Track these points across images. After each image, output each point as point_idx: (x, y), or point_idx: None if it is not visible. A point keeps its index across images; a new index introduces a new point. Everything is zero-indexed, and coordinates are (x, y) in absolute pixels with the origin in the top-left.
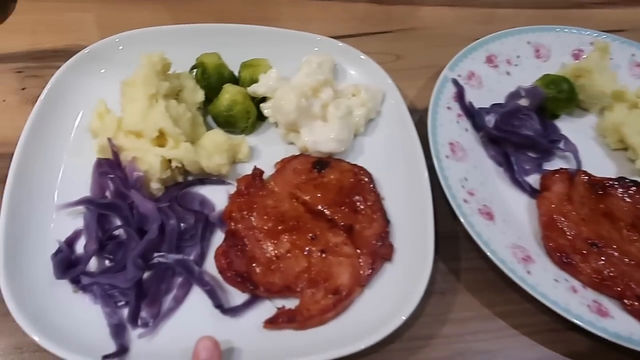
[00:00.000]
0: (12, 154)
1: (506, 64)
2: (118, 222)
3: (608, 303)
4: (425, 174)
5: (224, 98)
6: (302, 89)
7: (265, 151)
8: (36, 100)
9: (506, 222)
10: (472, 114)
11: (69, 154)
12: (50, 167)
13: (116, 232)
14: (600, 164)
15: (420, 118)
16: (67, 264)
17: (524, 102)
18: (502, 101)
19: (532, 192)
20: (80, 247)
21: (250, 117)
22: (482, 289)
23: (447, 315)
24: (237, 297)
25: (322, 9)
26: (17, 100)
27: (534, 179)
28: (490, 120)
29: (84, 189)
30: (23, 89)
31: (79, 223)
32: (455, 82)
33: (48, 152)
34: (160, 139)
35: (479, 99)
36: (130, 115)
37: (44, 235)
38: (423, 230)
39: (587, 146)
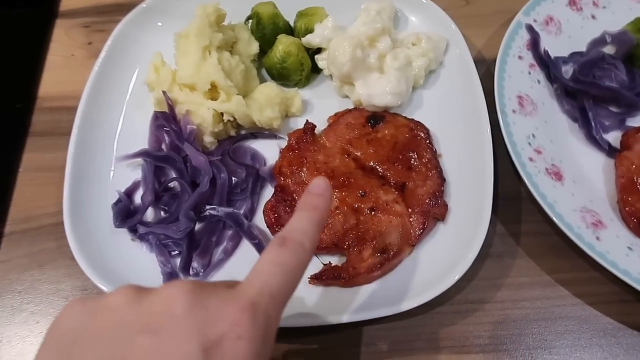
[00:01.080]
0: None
1: (592, 5)
2: (173, 173)
3: None
4: (488, 128)
5: (277, 49)
6: (358, 38)
7: (319, 105)
8: (97, 52)
9: (577, 184)
10: (547, 64)
11: (129, 106)
12: (112, 120)
13: (171, 185)
14: None
15: (488, 69)
16: (125, 213)
17: (609, 49)
18: (583, 49)
19: (611, 151)
20: (138, 197)
21: (304, 70)
22: (544, 254)
23: (502, 280)
24: None
25: None
26: (84, 54)
27: (614, 137)
28: (567, 70)
29: (143, 141)
30: (90, 43)
31: (137, 174)
32: (530, 28)
33: (109, 106)
34: (213, 92)
35: (557, 47)
36: (183, 68)
37: (105, 186)
38: (481, 189)
39: None
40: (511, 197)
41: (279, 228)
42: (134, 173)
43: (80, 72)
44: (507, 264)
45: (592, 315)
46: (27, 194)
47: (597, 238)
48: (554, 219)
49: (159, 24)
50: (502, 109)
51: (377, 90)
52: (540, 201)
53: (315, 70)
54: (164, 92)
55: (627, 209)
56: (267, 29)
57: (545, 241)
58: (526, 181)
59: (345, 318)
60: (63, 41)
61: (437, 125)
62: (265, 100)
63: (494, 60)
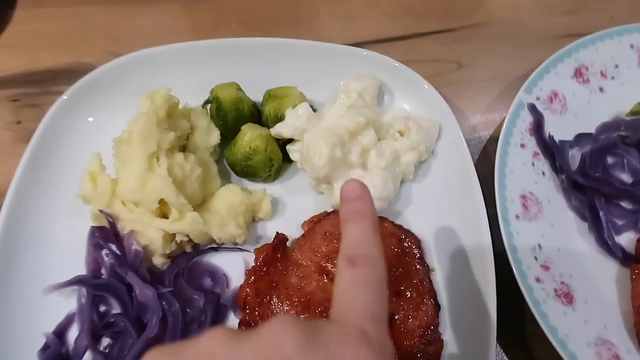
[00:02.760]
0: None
1: (600, 77)
2: (115, 305)
3: None
4: (489, 240)
5: (241, 145)
6: (337, 134)
7: (292, 203)
8: (27, 132)
9: (589, 305)
10: (552, 151)
11: (64, 214)
12: (42, 231)
13: (113, 319)
14: None
15: (484, 151)
16: None
17: (621, 133)
18: (591, 129)
19: (625, 260)
20: (72, 336)
21: (273, 165)
22: None
23: None
24: None
25: (367, 2)
26: (12, 137)
27: (627, 239)
28: (574, 155)
29: (80, 260)
30: (18, 122)
31: (71, 304)
32: (533, 109)
33: (39, 212)
34: (163, 207)
35: (562, 128)
36: (126, 182)
37: (30, 323)
38: (482, 320)
39: None
40: (513, 315)
41: None
42: (67, 302)
43: (5, 160)
44: None
45: None
46: None
47: None
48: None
49: (90, 119)
50: (505, 216)
51: None
52: (551, 338)
53: (287, 159)
54: (101, 211)
55: None
56: (229, 117)
57: None
58: (534, 311)
59: None
60: None
61: (429, 229)
62: (227, 211)
63: (491, 139)
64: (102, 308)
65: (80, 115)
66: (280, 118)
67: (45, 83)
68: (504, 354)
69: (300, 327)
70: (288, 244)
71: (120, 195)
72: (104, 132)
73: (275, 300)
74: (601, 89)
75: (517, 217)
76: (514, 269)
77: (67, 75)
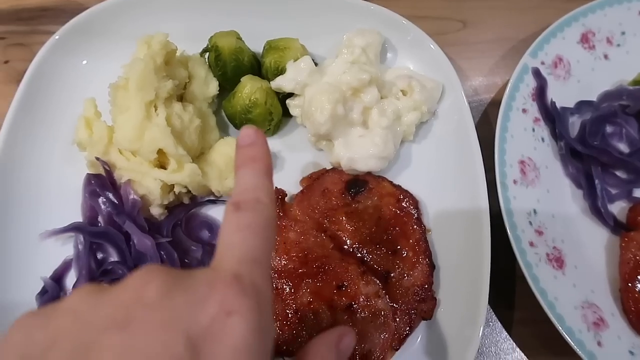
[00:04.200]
0: None
1: (606, 43)
2: (112, 252)
3: None
4: (486, 205)
5: (240, 97)
6: (340, 90)
7: (291, 159)
8: (21, 79)
9: (578, 269)
10: (553, 118)
11: (58, 159)
12: (35, 177)
13: (111, 266)
14: None
15: (485, 113)
16: None
17: (623, 102)
18: (592, 97)
19: (616, 228)
20: (69, 281)
21: (273, 120)
22: (535, 345)
23: None
24: None
25: None
26: (0, 77)
27: (619, 208)
28: (574, 122)
29: (75, 206)
30: (6, 62)
31: (67, 250)
32: (537, 74)
33: (32, 158)
34: (161, 156)
35: (565, 94)
36: (123, 130)
37: (27, 268)
38: (476, 277)
39: None
40: (504, 275)
41: None
42: (64, 248)
43: None
44: (495, 355)
45: None
46: None
47: (599, 343)
48: (555, 322)
49: (84, 62)
50: (503, 181)
51: (359, 153)
52: (541, 300)
53: (287, 113)
54: (98, 159)
55: (629, 304)
56: (228, 67)
57: (540, 331)
58: (526, 274)
59: None
60: None
61: (427, 190)
62: (226, 164)
63: (493, 103)
64: (100, 255)
65: (73, 57)
66: (281, 71)
67: (33, 21)
68: (493, 313)
69: (166, 274)
70: (286, 199)
71: (117, 143)
72: (98, 77)
73: (272, 254)
74: (606, 56)
75: (514, 182)
76: (509, 232)
77: (56, 14)
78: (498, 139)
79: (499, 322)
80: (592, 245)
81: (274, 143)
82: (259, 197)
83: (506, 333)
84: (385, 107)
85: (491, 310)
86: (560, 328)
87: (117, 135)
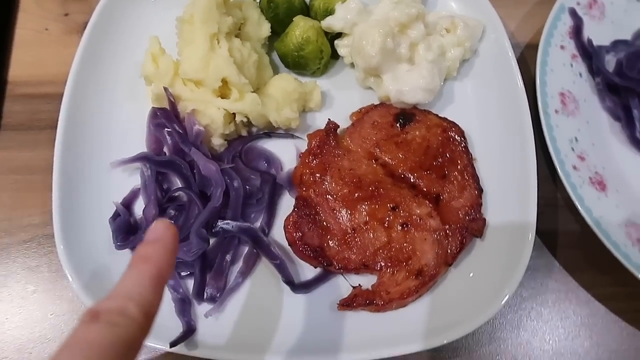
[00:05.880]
0: (61, 95)
1: None
2: (178, 180)
3: None
4: (530, 131)
5: (293, 35)
6: (389, 25)
7: (339, 97)
8: (82, 30)
9: (620, 193)
10: (590, 54)
11: (121, 98)
12: (102, 114)
13: (177, 194)
14: None
15: (522, 57)
16: (126, 229)
17: None
18: (627, 37)
19: None
20: (138, 207)
21: (323, 57)
22: (582, 267)
23: (537, 297)
24: (308, 271)
25: None
26: (61, 29)
27: None
28: (610, 61)
29: (140, 140)
30: (66, 14)
31: (135, 180)
32: (573, 13)
33: (98, 97)
34: (224, 88)
35: (599, 34)
36: (189, 61)
37: (100, 195)
38: (523, 200)
39: None
40: (548, 203)
41: (303, 247)
42: (131, 179)
43: (58, 51)
44: (543, 279)
45: (631, 332)
46: (7, 201)
47: None
48: (602, 238)
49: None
50: (545, 110)
51: (408, 85)
52: (587, 217)
53: (334, 55)
54: (165, 89)
55: None
56: (280, 9)
57: (583, 253)
58: (571, 194)
59: (379, 353)
60: (33, 11)
61: (472, 123)
62: (283, 97)
63: (529, 46)
64: (165, 186)
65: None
66: (329, 12)
67: None
68: (538, 238)
69: None
70: (337, 134)
71: (183, 74)
72: (156, 21)
73: (329, 179)
74: None
75: (556, 111)
76: (553, 156)
77: None
78: (539, 72)
79: (545, 247)
80: (632, 172)
81: (323, 83)
82: (124, 309)
83: (551, 254)
84: (431, 43)
85: (537, 235)
86: (607, 242)
87: (183, 66)
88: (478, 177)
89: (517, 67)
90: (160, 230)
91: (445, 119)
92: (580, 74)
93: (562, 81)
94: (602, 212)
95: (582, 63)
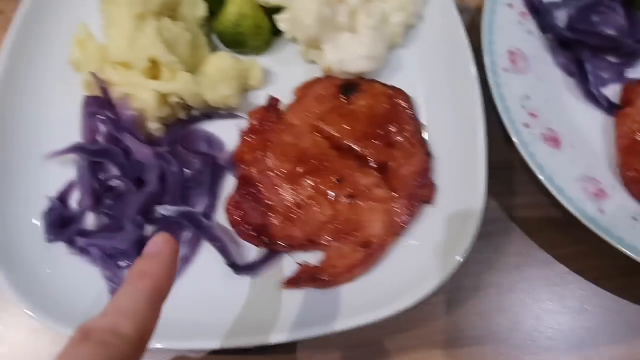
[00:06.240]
0: None
1: None
2: (114, 168)
3: None
4: (477, 91)
5: (229, 12)
6: None
7: (282, 74)
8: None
9: (575, 148)
10: (539, 11)
11: (53, 88)
12: (33, 106)
13: (113, 183)
14: None
15: (472, 20)
16: (60, 222)
17: None
18: None
19: (610, 108)
20: (75, 201)
21: (261, 33)
22: (541, 228)
23: (497, 262)
24: (253, 252)
25: None
26: None
27: (612, 91)
28: (560, 17)
29: (74, 131)
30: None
31: (70, 173)
32: None
33: (29, 89)
34: (155, 70)
35: None
36: (114, 42)
37: (32, 189)
38: (473, 163)
39: None
40: (502, 166)
41: (245, 227)
42: (66, 171)
43: None
44: (501, 243)
45: (593, 292)
46: None
47: (601, 211)
48: (555, 193)
49: None
50: (493, 68)
51: (349, 54)
52: (538, 174)
53: (277, 32)
54: (92, 74)
55: (628, 173)
56: None
57: (541, 214)
58: (522, 151)
59: (329, 328)
60: None
61: (420, 90)
62: (218, 75)
63: (479, 9)
64: (102, 176)
65: None
66: None
67: None
68: (495, 201)
69: None
70: (280, 109)
71: (110, 57)
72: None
73: (270, 155)
74: None
75: (505, 70)
76: (501, 114)
77: None
78: (485, 30)
79: (502, 210)
80: (588, 127)
81: (265, 61)
82: (117, 327)
83: (508, 218)
84: (372, 9)
85: (493, 199)
86: (561, 198)
87: (110, 48)
88: (427, 143)
89: (464, 29)
90: (158, 245)
91: (391, 87)
92: (531, 32)
93: (511, 39)
94: (555, 168)
95: (532, 21)
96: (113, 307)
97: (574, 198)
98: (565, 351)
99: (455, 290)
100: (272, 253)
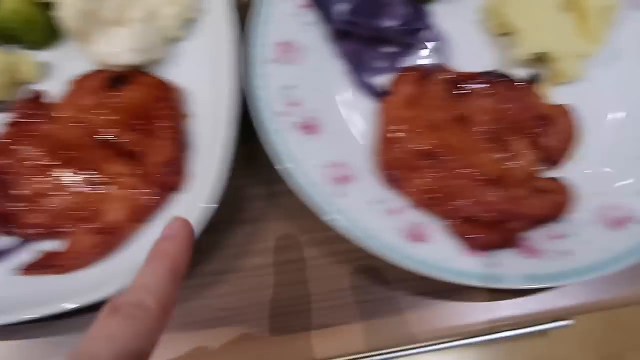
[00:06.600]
0: None
1: None
2: None
3: (434, 226)
4: (233, 82)
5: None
6: None
7: (64, 67)
8: None
9: (336, 135)
10: (318, 3)
11: None
12: None
13: None
14: (479, 56)
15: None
16: None
17: None
18: None
19: (381, 97)
20: None
21: (36, 29)
22: (299, 214)
23: (253, 246)
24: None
25: None
26: None
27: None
28: (342, 9)
29: None
30: None
31: None
32: None
33: None
34: None
35: None
36: None
37: None
38: (222, 153)
39: (467, 34)
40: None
41: None
42: None
43: None
44: (260, 228)
45: (338, 273)
46: None
47: (334, 195)
48: (288, 178)
49: None
50: (254, 59)
51: (116, 47)
52: (278, 159)
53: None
54: None
55: (379, 158)
56: None
57: (300, 200)
58: (263, 138)
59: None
60: None
61: (195, 83)
62: None
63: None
64: None
65: None
66: None
67: None
68: (257, 188)
69: None
70: (51, 102)
71: None
72: None
73: (27, 146)
74: None
75: (272, 60)
76: (255, 101)
77: None
78: (254, 23)
79: (262, 200)
80: (358, 116)
81: (47, 55)
82: (142, 301)
83: (269, 202)
84: (141, 2)
85: (257, 187)
86: (296, 183)
87: None
88: (183, 132)
89: (234, 21)
90: (176, 227)
91: (158, 79)
92: (310, 23)
93: (284, 31)
94: (299, 153)
95: (311, 12)
96: (137, 284)
97: (315, 183)
98: None
99: (206, 275)
100: (18, 241)
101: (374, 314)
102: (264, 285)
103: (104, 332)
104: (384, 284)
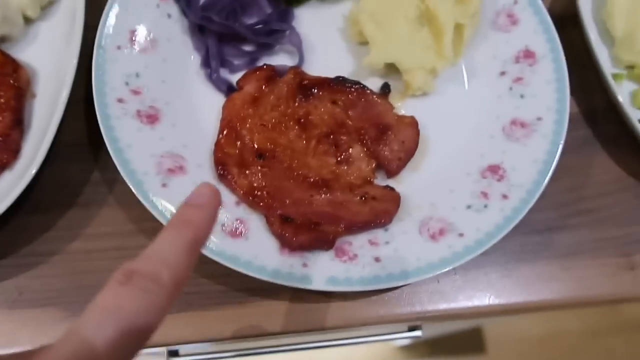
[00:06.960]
0: None
1: None
2: None
3: (257, 224)
4: (74, 65)
5: None
6: None
7: None
8: None
9: (178, 127)
10: None
11: None
12: None
13: None
14: (337, 62)
15: None
16: None
17: None
18: None
19: (229, 93)
20: None
21: None
22: (132, 202)
23: (81, 230)
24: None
25: None
26: None
27: None
28: (198, 4)
29: None
30: None
31: None
32: None
33: None
34: None
35: None
36: None
37: None
38: (51, 133)
39: (329, 40)
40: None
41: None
42: None
43: None
44: (92, 213)
45: None
46: None
47: (164, 185)
48: (119, 167)
49: None
50: (99, 45)
51: None
52: (109, 147)
53: None
54: None
55: (214, 154)
56: None
57: None
58: (101, 125)
59: None
60: None
61: (43, 64)
62: None
63: None
64: None
65: None
66: None
67: None
68: (97, 173)
69: None
70: None
71: None
72: None
73: None
74: None
75: (119, 47)
76: (94, 88)
77: None
78: (105, 10)
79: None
80: (207, 111)
81: None
82: (157, 275)
83: (106, 189)
84: None
85: (98, 172)
86: (123, 171)
87: None
88: (21, 112)
89: (85, 5)
90: (205, 196)
91: (4, 54)
92: (169, 15)
93: (137, 21)
94: (135, 142)
95: (173, 5)
96: (155, 251)
97: (146, 172)
98: None
99: (26, 255)
100: None
101: (197, 306)
102: (88, 270)
103: (113, 302)
104: (210, 278)
